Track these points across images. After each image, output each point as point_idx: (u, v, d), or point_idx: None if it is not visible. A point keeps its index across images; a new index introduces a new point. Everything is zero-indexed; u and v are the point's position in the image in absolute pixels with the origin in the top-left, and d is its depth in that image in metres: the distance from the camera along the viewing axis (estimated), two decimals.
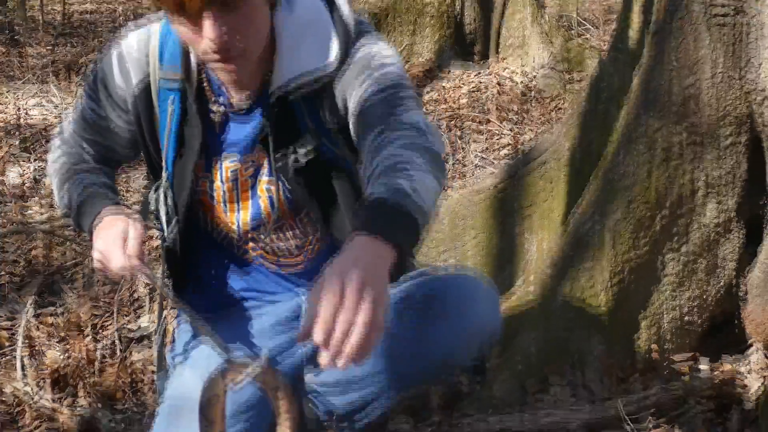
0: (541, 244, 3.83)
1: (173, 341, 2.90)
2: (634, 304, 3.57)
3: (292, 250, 2.71)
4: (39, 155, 6.17)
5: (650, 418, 3.24)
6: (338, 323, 1.78)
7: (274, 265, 2.74)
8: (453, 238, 4.02)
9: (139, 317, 4.03)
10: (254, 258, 2.73)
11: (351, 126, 2.44)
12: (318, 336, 1.78)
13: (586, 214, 3.52)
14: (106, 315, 4.09)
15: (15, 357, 3.66)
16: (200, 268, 2.78)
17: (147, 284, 2.56)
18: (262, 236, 2.68)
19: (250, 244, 2.70)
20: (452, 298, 2.35)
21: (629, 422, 3.14)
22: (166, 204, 2.62)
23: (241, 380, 1.82)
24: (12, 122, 7.05)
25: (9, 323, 4.04)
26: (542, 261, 3.64)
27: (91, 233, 2.50)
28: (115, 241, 2.38)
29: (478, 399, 3.40)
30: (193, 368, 2.66)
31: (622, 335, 3.56)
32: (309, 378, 2.77)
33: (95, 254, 2.44)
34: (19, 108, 7.41)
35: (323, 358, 1.83)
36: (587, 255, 3.51)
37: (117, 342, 3.87)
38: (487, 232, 3.97)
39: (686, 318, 3.59)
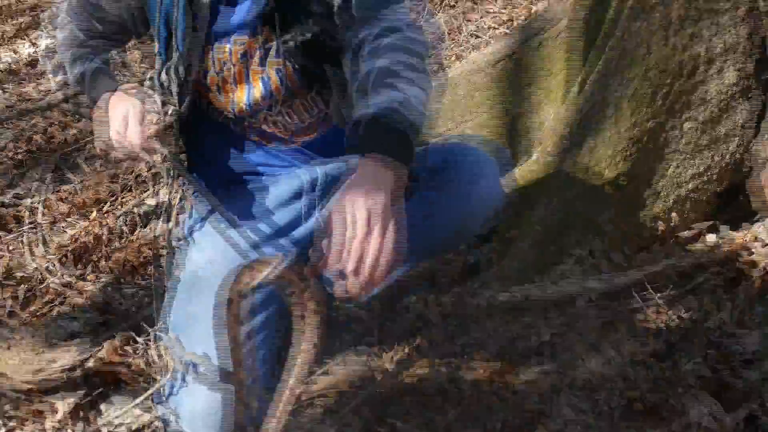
0: (558, 113, 3.80)
1: (183, 218, 2.92)
2: (647, 175, 3.56)
3: (304, 125, 2.72)
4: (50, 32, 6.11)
5: (659, 290, 3.27)
6: (350, 255, 1.83)
7: (286, 138, 2.75)
8: (470, 108, 4.00)
9: (157, 193, 4.05)
10: (267, 134, 2.74)
11: (335, 17, 2.43)
12: (330, 267, 1.83)
13: (601, 83, 3.49)
14: (124, 191, 4.11)
15: (33, 234, 3.70)
16: (208, 146, 2.79)
17: (163, 160, 2.56)
18: (272, 113, 2.69)
19: (261, 121, 2.71)
20: (457, 171, 2.36)
21: (650, 288, 3.17)
22: (178, 79, 2.62)
23: (267, 276, 1.81)
24: None
25: (29, 201, 4.07)
26: (559, 131, 3.62)
27: (97, 105, 2.54)
28: (131, 120, 2.40)
29: (498, 269, 3.42)
30: (200, 246, 2.69)
31: (632, 208, 3.56)
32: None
33: (112, 134, 2.45)
34: None
35: (338, 289, 1.86)
36: (603, 124, 3.49)
37: (135, 218, 3.90)
38: (504, 102, 3.94)
39: (699, 188, 3.59)
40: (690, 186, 3.58)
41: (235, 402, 2.51)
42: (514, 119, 3.95)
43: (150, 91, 2.51)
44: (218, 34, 2.58)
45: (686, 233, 3.60)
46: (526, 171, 3.63)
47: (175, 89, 2.63)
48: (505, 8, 6.10)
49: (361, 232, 1.85)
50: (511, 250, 3.45)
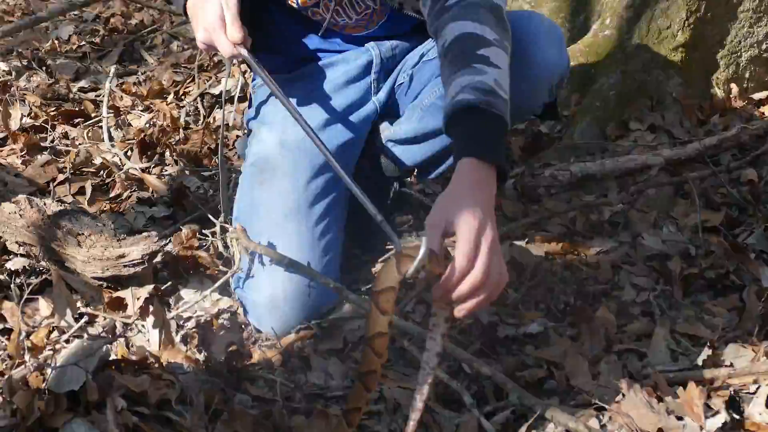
0: None
1: (249, 105, 2.94)
2: (711, 41, 3.52)
3: (356, 23, 2.72)
4: None
5: (730, 158, 3.23)
6: (473, 283, 1.83)
7: (339, 30, 2.75)
8: None
9: (219, 81, 4.05)
10: (322, 23, 2.73)
11: None
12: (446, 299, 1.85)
13: None
14: (188, 80, 4.13)
15: (101, 126, 3.73)
16: (271, 34, 2.78)
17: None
18: (322, 11, 2.70)
19: (316, 13, 2.70)
20: (517, 42, 2.32)
21: (710, 163, 3.13)
22: None
23: (412, 270, 1.83)
24: None
25: (93, 94, 4.10)
26: (618, 2, 3.56)
27: (185, 12, 2.51)
28: (215, 26, 2.37)
29: (560, 147, 3.41)
30: (270, 128, 2.71)
31: (700, 75, 3.53)
32: (385, 131, 2.81)
33: (199, 43, 2.46)
34: None
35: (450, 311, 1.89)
36: None
37: (200, 107, 3.92)
38: None
39: (765, 54, 3.52)
40: (764, 46, 3.52)
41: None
42: None
43: None
44: None
45: (759, 95, 3.56)
46: (585, 44, 3.59)
47: None
48: None
49: (487, 262, 1.83)
50: (573, 126, 3.43)
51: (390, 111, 2.87)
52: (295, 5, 2.67)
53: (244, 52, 2.36)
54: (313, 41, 2.81)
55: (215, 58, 4.21)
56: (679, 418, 2.19)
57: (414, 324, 2.50)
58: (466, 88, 2.05)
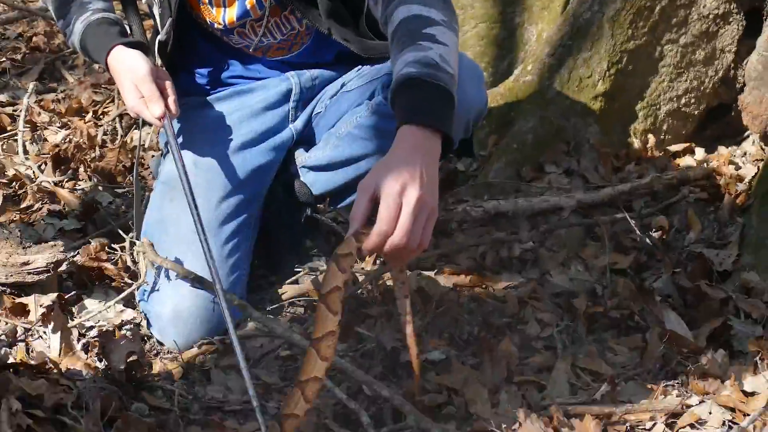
0: (540, 34, 3.80)
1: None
2: (631, 93, 3.58)
3: (280, 44, 2.76)
4: None
5: (642, 204, 3.28)
6: (391, 244, 1.89)
7: (261, 55, 2.80)
8: (469, 18, 3.97)
9: None
10: (245, 48, 2.78)
11: None
12: (368, 249, 1.93)
13: (585, 3, 3.49)
14: (107, 101, 4.11)
15: (17, 140, 3.69)
16: (192, 58, 2.84)
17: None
18: (248, 32, 2.73)
19: (238, 39, 2.75)
20: None
21: (622, 208, 3.18)
22: (159, 4, 2.66)
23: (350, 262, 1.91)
24: None
25: (11, 108, 4.06)
26: (541, 50, 3.62)
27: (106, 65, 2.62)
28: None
29: (474, 185, 3.44)
30: (186, 151, 2.72)
31: (618, 123, 3.59)
32: (300, 158, 2.83)
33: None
34: None
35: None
36: (585, 44, 3.50)
37: (118, 126, 3.90)
38: (488, 21, 3.93)
39: (683, 108, 3.60)
40: (683, 101, 3.59)
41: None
42: (513, 31, 3.94)
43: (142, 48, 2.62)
44: None
45: (675, 147, 3.62)
46: (506, 88, 3.64)
47: (156, 10, 2.68)
48: None
49: (407, 225, 1.88)
50: (489, 165, 3.46)
51: (306, 139, 2.90)
52: (221, 27, 2.69)
53: (167, 124, 2.52)
54: (235, 68, 2.84)
55: None
56: None
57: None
58: (410, 63, 2.08)
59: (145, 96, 2.51)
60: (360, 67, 2.81)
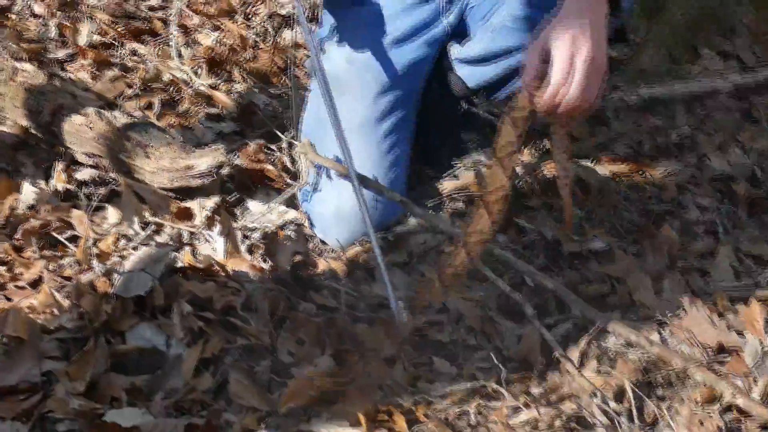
0: None
1: (320, 25, 2.94)
2: None
3: None
4: None
5: None
6: (562, 101, 1.94)
7: None
8: None
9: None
10: None
11: None
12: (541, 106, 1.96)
13: None
14: (257, 1, 4.12)
15: (170, 44, 3.74)
16: None
17: None
18: None
19: None
20: None
21: None
22: None
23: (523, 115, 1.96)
24: None
25: (162, 12, 4.11)
26: None
27: None
28: None
29: (628, 72, 3.38)
30: (339, 46, 2.72)
31: None
32: (454, 51, 2.81)
33: None
34: None
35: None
36: None
37: (269, 27, 3.92)
38: None
39: None
40: None
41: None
42: None
43: None
44: None
45: None
46: None
47: None
48: None
49: (581, 82, 1.92)
50: (642, 50, 3.39)
51: (460, 32, 2.87)
52: None
53: None
54: None
55: None
56: (740, 334, 2.19)
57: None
58: None
59: None
60: None
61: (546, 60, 1.94)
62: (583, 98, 1.92)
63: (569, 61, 1.91)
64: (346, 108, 2.59)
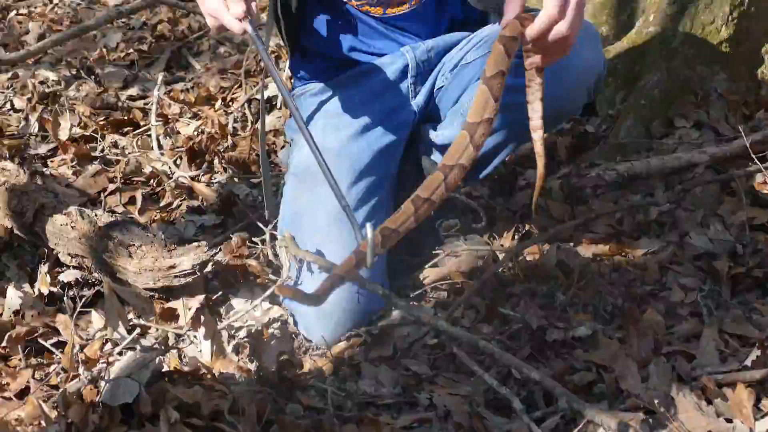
0: None
1: (290, 115, 2.96)
2: (756, 37, 3.49)
3: None
4: None
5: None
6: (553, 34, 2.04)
7: (380, 10, 2.77)
8: None
9: (266, 87, 4.07)
10: (359, 7, 2.77)
11: None
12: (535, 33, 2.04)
13: None
14: (235, 87, 4.16)
15: (150, 135, 3.76)
16: (309, 28, 2.84)
17: (272, 52, 2.60)
18: None
19: None
20: None
21: (756, 159, 3.11)
22: None
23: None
24: None
25: (142, 102, 4.14)
26: None
27: None
28: (218, 6, 2.36)
29: (605, 147, 3.41)
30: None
31: (745, 69, 3.51)
32: (427, 135, 2.83)
33: (212, 28, 2.46)
34: None
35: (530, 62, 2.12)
36: None
37: (247, 112, 3.94)
38: None
39: None
40: None
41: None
42: None
43: None
44: None
45: None
46: (629, 41, 3.59)
47: None
48: None
49: (573, 14, 2.02)
50: (618, 124, 3.43)
51: (432, 114, 2.90)
52: None
53: (248, 27, 2.35)
54: (352, 41, 2.83)
55: (261, 63, 4.22)
56: (729, 421, 2.19)
57: (463, 329, 2.52)
58: None
59: None
60: (474, 35, 2.78)
61: None
62: (572, 30, 2.00)
63: None
64: (320, 199, 2.61)
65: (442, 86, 2.84)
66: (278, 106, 3.92)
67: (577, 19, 2.00)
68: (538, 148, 2.20)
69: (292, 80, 3.05)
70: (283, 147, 3.49)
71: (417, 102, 2.86)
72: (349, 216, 2.25)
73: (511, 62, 2.07)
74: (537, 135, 2.20)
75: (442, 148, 2.82)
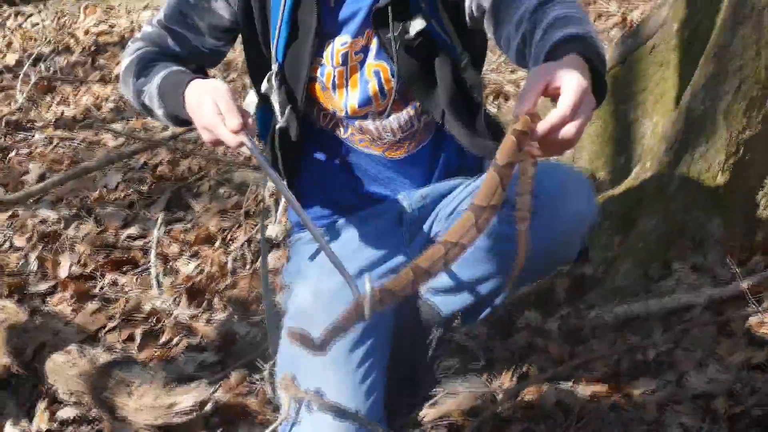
0: (656, 128, 3.81)
1: (288, 260, 2.98)
2: (752, 183, 3.55)
3: (397, 138, 2.76)
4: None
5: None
6: (561, 134, 1.94)
7: (378, 151, 2.80)
8: None
9: (266, 227, 4.11)
10: (359, 146, 2.80)
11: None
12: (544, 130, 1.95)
13: (697, 97, 3.48)
14: (235, 227, 4.20)
15: (150, 273, 3.80)
16: (306, 166, 2.86)
17: (272, 194, 2.64)
18: (370, 121, 2.73)
19: (356, 132, 2.76)
20: (545, 195, 2.37)
21: (754, 301, 3.15)
22: (279, 92, 2.66)
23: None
24: (126, 34, 7.19)
25: (141, 241, 4.18)
26: (658, 146, 3.62)
27: (182, 119, 2.56)
28: (214, 122, 2.36)
29: (603, 289, 3.44)
30: (305, 281, 2.75)
31: (740, 215, 3.55)
32: None
33: (203, 134, 2.45)
34: (132, 20, 7.54)
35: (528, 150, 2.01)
36: (701, 137, 3.48)
37: (247, 252, 3.98)
38: (602, 119, 3.96)
39: None
40: None
41: None
42: (628, 127, 3.96)
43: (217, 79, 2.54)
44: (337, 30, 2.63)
45: None
46: (626, 187, 3.65)
47: (276, 99, 2.67)
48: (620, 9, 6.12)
49: (583, 119, 1.94)
50: (616, 267, 3.46)
51: None
52: (342, 113, 2.72)
53: (245, 139, 2.34)
54: (346, 184, 2.88)
55: (261, 204, 4.28)
56: None
57: None
58: (570, 26, 2.12)
59: (223, 110, 2.35)
60: (470, 183, 2.83)
61: (545, 93, 1.97)
62: (579, 133, 1.94)
63: (580, 96, 1.92)
64: None
65: (439, 231, 2.87)
66: (278, 244, 3.95)
67: (586, 122, 1.96)
68: (522, 239, 2.20)
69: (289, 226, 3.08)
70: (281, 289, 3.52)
71: (412, 249, 2.87)
72: (344, 274, 2.24)
73: (522, 146, 2.02)
74: (523, 226, 2.18)
75: (438, 292, 2.85)
